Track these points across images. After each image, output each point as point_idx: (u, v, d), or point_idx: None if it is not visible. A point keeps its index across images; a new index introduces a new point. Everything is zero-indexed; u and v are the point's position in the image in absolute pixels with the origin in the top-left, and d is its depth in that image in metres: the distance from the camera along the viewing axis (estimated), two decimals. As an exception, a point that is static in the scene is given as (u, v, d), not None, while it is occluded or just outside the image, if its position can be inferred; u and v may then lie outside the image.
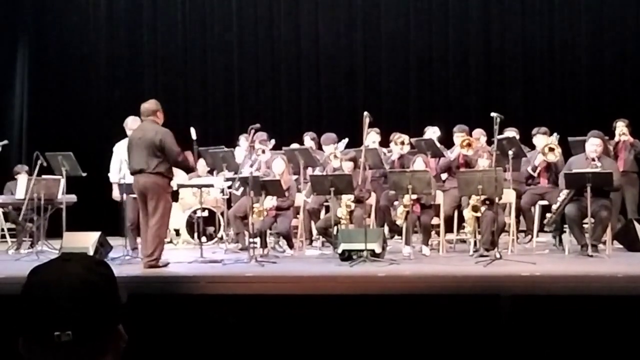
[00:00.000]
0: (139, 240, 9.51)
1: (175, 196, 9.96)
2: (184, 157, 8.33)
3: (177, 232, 11.28)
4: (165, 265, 8.16)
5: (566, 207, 8.69)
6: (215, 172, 11.18)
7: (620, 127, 10.14)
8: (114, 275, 1.65)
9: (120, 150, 9.31)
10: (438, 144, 10.23)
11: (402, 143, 10.26)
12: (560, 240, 9.45)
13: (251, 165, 9.43)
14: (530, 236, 10.01)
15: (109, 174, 9.55)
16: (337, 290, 6.66)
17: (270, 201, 9.30)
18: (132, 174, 8.25)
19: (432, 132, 10.97)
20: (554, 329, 4.80)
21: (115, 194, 9.59)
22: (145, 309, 4.92)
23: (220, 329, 5.05)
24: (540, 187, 9.74)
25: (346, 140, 10.85)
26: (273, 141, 10.93)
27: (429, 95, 13.92)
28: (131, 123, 9.29)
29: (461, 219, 9.40)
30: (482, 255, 8.46)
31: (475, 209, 8.85)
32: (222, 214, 10.69)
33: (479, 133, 10.40)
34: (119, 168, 9.28)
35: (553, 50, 13.61)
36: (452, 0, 13.86)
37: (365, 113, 9.18)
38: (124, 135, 9.23)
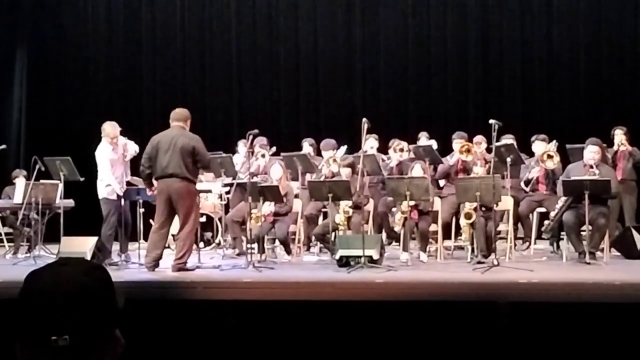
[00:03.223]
0: (133, 245, 9.53)
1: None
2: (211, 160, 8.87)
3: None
4: (194, 269, 8.22)
5: (564, 214, 8.70)
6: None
7: (619, 136, 10.17)
8: (111, 279, 1.65)
9: (106, 155, 9.24)
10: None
11: (401, 150, 10.27)
12: (558, 247, 9.46)
13: (249, 168, 9.44)
14: (528, 243, 10.01)
15: (110, 181, 9.34)
16: (335, 296, 6.66)
17: (268, 207, 9.30)
18: (160, 177, 8.29)
19: (426, 138, 11.04)
20: (551, 336, 4.79)
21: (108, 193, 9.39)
22: (142, 313, 4.92)
23: (218, 334, 5.04)
24: (538, 194, 9.75)
25: (345, 147, 10.86)
26: (274, 148, 10.94)
27: (427, 102, 13.93)
28: (110, 129, 9.26)
29: (459, 226, 9.40)
30: (479, 262, 8.47)
31: (467, 216, 8.87)
32: (219, 219, 10.69)
33: (481, 139, 10.42)
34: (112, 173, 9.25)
35: (551, 57, 13.63)
36: (450, 6, 13.89)
37: (364, 119, 9.20)
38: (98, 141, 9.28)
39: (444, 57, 13.91)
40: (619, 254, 9.26)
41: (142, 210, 9.92)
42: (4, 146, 11.02)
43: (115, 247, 9.36)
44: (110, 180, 9.15)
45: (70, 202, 10.45)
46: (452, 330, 4.93)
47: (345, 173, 9.45)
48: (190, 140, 8.30)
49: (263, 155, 10.40)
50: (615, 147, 10.15)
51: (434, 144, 10.79)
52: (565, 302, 5.83)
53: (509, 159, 9.41)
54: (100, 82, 14.33)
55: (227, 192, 10.41)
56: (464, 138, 10.05)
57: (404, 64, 14.00)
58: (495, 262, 8.00)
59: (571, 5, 13.60)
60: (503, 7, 13.76)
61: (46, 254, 9.75)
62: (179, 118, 8.47)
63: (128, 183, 9.50)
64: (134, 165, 9.51)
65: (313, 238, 10.09)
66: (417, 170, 9.35)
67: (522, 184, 9.80)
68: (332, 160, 10.14)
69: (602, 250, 8.82)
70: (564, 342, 4.75)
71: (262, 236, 9.38)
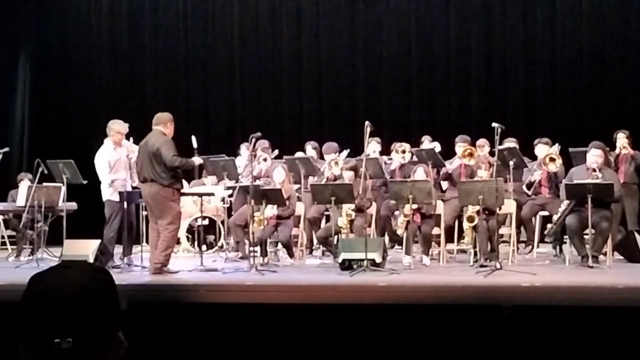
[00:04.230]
0: (136, 248, 9.53)
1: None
2: (182, 161, 8.35)
3: (178, 241, 11.26)
4: (174, 272, 8.22)
5: (567, 217, 8.69)
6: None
7: (622, 140, 10.16)
8: (114, 282, 1.65)
9: (105, 157, 9.23)
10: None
11: (404, 151, 10.27)
12: (561, 251, 9.45)
13: (251, 171, 9.45)
14: (530, 247, 10.00)
15: (114, 181, 9.31)
16: (337, 300, 6.66)
17: (271, 210, 9.30)
18: (140, 182, 8.40)
19: (429, 142, 11.02)
20: (554, 340, 4.79)
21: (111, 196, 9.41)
22: (145, 316, 4.92)
23: (220, 337, 5.05)
24: (540, 197, 9.74)
25: (347, 151, 10.86)
26: (277, 151, 10.95)
27: (430, 105, 13.93)
28: (120, 127, 9.25)
29: (462, 229, 9.39)
30: (482, 266, 8.46)
31: (470, 219, 8.86)
32: (222, 222, 10.69)
33: (483, 142, 10.41)
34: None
35: (554, 60, 13.62)
36: (453, 10, 13.89)
37: (367, 122, 9.19)
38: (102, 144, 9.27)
39: (446, 60, 13.91)
40: (621, 257, 9.24)
41: (145, 213, 9.91)
42: (6, 149, 11.02)
43: (118, 250, 9.36)
44: (111, 177, 9.10)
45: (73, 205, 10.46)
46: (455, 334, 4.93)
47: (348, 176, 9.45)
48: (156, 142, 8.25)
49: (265, 159, 10.41)
50: (617, 151, 10.14)
51: (437, 146, 10.77)
52: (567, 306, 5.82)
53: (511, 163, 9.40)
54: (103, 86, 14.35)
55: (230, 195, 10.41)
56: (467, 141, 10.04)
57: (406, 67, 14.00)
58: (498, 266, 8.00)
59: (574, 9, 13.60)
60: (506, 11, 13.76)
61: (49, 257, 9.76)
62: (157, 122, 8.48)
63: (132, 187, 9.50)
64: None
65: (315, 241, 10.09)
66: (420, 173, 9.35)
67: (524, 187, 9.79)
68: (333, 162, 10.13)
69: (604, 253, 8.82)
70: (567, 345, 4.75)
71: (265, 239, 9.37)
